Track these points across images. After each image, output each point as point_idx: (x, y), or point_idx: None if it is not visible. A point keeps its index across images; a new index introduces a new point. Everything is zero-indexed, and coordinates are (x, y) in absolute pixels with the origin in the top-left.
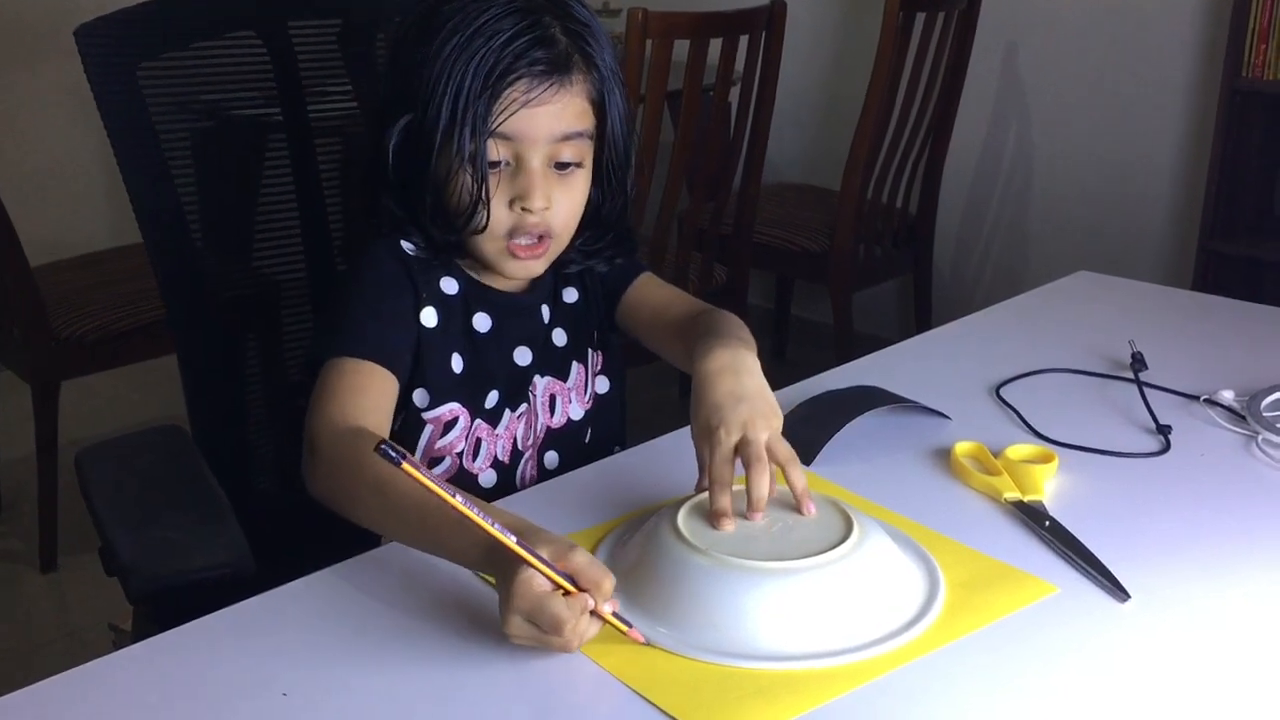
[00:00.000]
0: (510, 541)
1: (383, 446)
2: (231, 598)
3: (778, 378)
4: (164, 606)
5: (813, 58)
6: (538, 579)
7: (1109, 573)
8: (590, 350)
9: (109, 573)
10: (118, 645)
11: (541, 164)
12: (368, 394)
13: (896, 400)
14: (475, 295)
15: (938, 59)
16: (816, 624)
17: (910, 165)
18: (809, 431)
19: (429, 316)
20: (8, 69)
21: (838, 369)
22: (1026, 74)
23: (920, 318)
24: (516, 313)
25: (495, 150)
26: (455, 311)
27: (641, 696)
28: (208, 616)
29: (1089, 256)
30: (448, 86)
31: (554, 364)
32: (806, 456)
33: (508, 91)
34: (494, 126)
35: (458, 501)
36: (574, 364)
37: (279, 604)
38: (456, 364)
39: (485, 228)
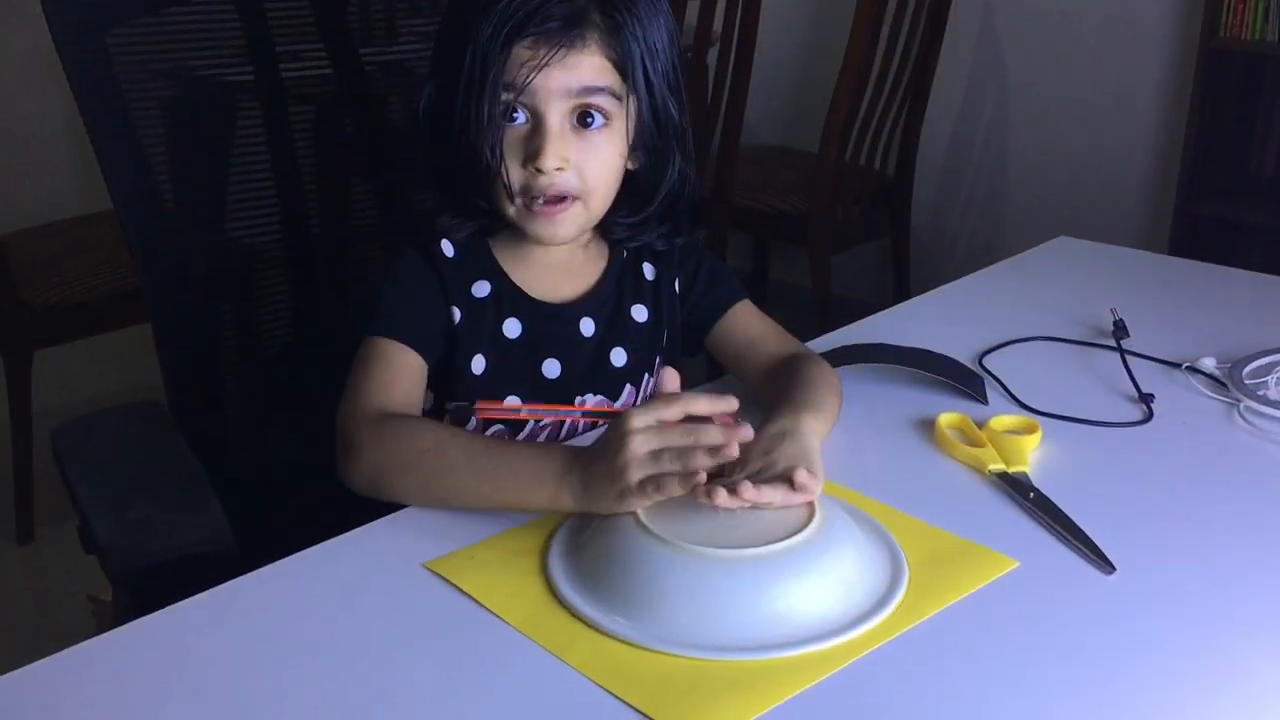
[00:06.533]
0: (609, 406)
1: (450, 407)
2: (211, 575)
3: None
4: (144, 585)
5: (791, 18)
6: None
7: (1094, 544)
8: (648, 375)
9: (88, 551)
10: (97, 616)
11: (560, 121)
12: (397, 383)
13: (941, 373)
14: (509, 299)
15: (915, 19)
16: (783, 611)
17: (888, 126)
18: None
19: (454, 314)
20: None
21: (820, 338)
22: (1003, 35)
23: (899, 280)
24: (548, 320)
25: (511, 105)
26: (485, 314)
27: (610, 693)
28: (193, 598)
29: (1066, 216)
30: (467, 44)
31: (602, 383)
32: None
33: (516, 50)
34: (504, 81)
35: (538, 411)
36: (628, 386)
37: (265, 585)
38: (478, 365)
39: (506, 187)
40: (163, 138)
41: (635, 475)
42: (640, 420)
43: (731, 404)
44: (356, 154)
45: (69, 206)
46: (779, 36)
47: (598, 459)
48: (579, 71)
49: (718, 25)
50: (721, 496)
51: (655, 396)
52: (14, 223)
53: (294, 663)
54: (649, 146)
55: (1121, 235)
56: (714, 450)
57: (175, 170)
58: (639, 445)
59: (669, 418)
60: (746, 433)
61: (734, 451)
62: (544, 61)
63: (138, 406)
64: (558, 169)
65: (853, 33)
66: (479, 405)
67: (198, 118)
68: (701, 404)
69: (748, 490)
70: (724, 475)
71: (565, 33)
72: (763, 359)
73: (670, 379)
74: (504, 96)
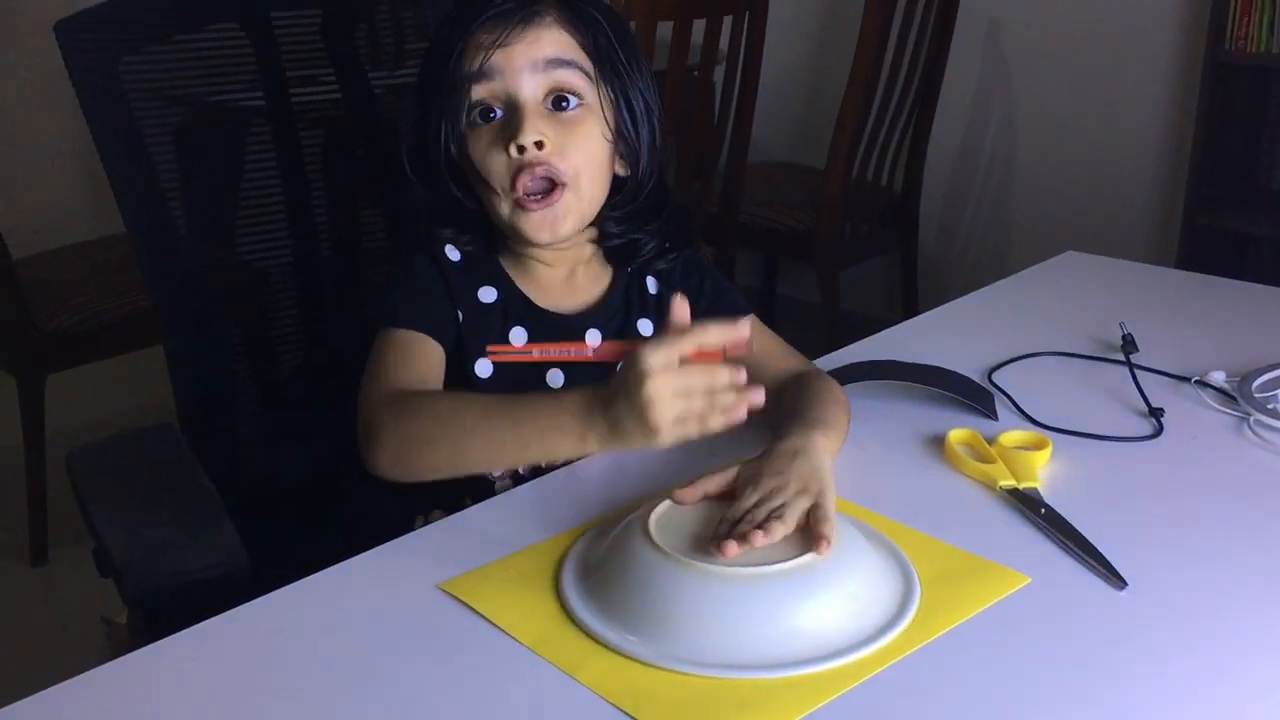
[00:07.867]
0: (624, 343)
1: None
2: (226, 596)
3: None
4: (159, 607)
5: (797, 36)
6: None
7: (1105, 560)
8: None
9: (103, 574)
10: (111, 638)
11: (534, 96)
12: (414, 365)
13: (951, 389)
14: (515, 307)
15: (921, 35)
16: (795, 629)
17: (895, 142)
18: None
19: (459, 316)
20: None
21: (829, 354)
22: (1009, 49)
23: (907, 295)
24: (554, 330)
25: (483, 96)
26: (491, 320)
27: (623, 712)
28: (207, 621)
29: (1073, 230)
30: (436, 49)
31: None
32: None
33: (477, 36)
34: (472, 71)
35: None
36: None
37: (280, 607)
38: (482, 369)
39: (491, 180)
40: (174, 162)
41: (664, 411)
42: (657, 358)
43: (743, 331)
44: (366, 177)
45: (81, 230)
46: (785, 54)
47: (617, 398)
48: (541, 44)
49: (723, 44)
50: (732, 549)
51: (666, 329)
52: (27, 246)
53: (309, 685)
54: (629, 140)
55: (1129, 249)
56: (739, 390)
57: (187, 194)
58: (661, 381)
59: (684, 352)
60: (758, 398)
61: (759, 401)
62: (504, 38)
63: (151, 430)
64: (537, 143)
65: (859, 48)
66: (490, 349)
67: (209, 142)
68: (713, 335)
69: (759, 540)
70: (732, 499)
71: (521, 9)
72: (768, 376)
73: (680, 309)
74: (475, 91)
